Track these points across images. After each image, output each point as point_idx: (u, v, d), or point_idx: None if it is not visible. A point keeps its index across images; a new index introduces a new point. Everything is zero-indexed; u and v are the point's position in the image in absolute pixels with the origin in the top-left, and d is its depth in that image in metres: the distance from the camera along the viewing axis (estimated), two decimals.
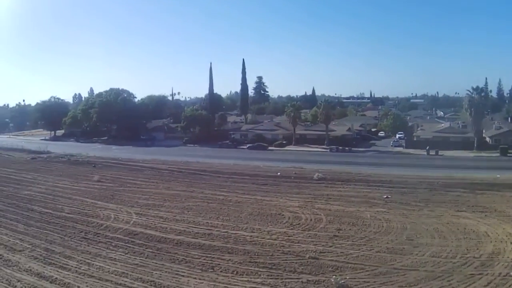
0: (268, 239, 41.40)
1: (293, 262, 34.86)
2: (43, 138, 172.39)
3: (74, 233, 44.95)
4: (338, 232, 42.58)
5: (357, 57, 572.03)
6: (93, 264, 35.75)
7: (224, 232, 44.11)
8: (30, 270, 34.66)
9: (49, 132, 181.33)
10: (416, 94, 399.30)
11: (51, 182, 75.22)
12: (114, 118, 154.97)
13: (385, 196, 57.86)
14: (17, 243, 42.03)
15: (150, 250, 38.78)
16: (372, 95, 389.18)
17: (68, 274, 33.68)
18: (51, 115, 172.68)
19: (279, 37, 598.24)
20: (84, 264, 35.73)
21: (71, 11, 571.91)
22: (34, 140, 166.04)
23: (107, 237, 43.34)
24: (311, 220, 47.68)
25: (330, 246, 38.44)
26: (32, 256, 38.17)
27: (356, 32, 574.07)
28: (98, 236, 43.68)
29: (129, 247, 39.97)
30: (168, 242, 41.03)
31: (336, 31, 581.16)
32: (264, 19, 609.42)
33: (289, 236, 41.99)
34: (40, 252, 39.20)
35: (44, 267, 35.34)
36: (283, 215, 50.16)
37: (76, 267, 35.10)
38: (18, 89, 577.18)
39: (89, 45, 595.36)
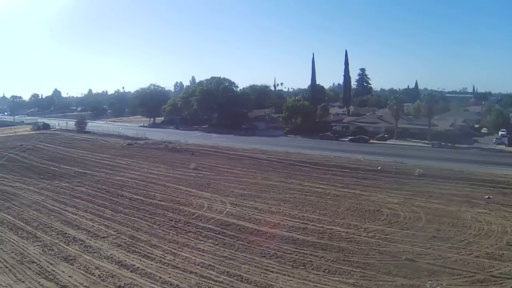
0: (365, 236, 40.55)
1: (388, 263, 33.95)
2: (142, 124, 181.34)
3: (164, 221, 46.15)
4: (437, 233, 41.38)
5: (461, 51, 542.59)
6: (179, 254, 36.14)
7: (319, 227, 43.36)
8: (111, 257, 35.76)
9: (147, 119, 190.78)
10: None
11: (146, 168, 78.23)
12: (215, 107, 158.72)
13: (486, 197, 55.55)
14: (101, 229, 43.87)
15: (241, 243, 38.59)
16: (475, 90, 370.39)
17: (151, 264, 34.22)
18: (150, 102, 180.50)
19: (383, 29, 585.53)
20: (170, 254, 36.24)
21: (177, 1, 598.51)
22: (132, 126, 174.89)
23: (198, 226, 43.86)
24: (409, 218, 46.45)
25: (428, 248, 37.20)
26: (116, 243, 39.48)
27: (460, 25, 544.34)
28: (188, 226, 44.31)
29: (220, 238, 39.99)
30: (260, 235, 40.66)
31: (440, 24, 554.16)
32: (366, 10, 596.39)
33: (386, 235, 40.97)
34: (125, 239, 40.42)
35: (127, 255, 36.28)
36: (381, 211, 49.18)
37: (160, 257, 35.66)
38: (119, 77, 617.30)
39: (193, 33, 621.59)
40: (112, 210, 50.82)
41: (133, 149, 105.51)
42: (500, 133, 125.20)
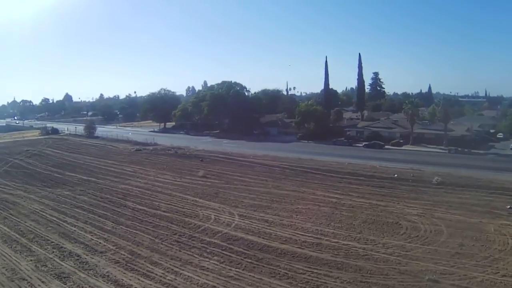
0: (383, 253, 37.59)
1: (410, 284, 31.38)
2: (152, 129, 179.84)
3: (167, 235, 43.40)
4: (461, 249, 38.63)
5: (473, 54, 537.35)
6: (181, 273, 33.43)
7: (334, 242, 40.39)
8: (108, 276, 33.19)
9: (158, 124, 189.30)
10: None
11: (152, 176, 75.77)
12: (226, 112, 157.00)
13: (508, 207, 52.68)
14: (100, 243, 41.31)
15: (249, 261, 35.69)
16: (487, 94, 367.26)
17: (150, 284, 31.63)
18: (160, 107, 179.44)
19: (394, 33, 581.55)
20: (171, 273, 33.53)
21: (189, 7, 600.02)
22: (142, 131, 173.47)
23: (203, 241, 41.01)
24: (430, 232, 43.60)
25: (452, 266, 34.54)
26: (114, 259, 36.85)
27: (472, 28, 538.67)
28: (192, 240, 41.52)
29: (226, 255, 37.15)
30: (270, 252, 37.69)
31: (452, 28, 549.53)
32: (377, 14, 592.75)
33: (406, 251, 38.08)
34: (124, 255, 37.80)
35: (125, 273, 33.68)
36: (400, 224, 46.23)
37: (161, 276, 33.00)
38: (131, 82, 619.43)
39: (205, 38, 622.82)
40: (113, 222, 48.21)
41: (141, 155, 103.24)
42: None
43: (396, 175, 72.16)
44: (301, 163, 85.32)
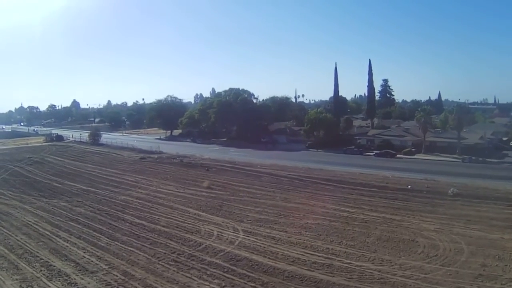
0: (400, 276, 34.06)
1: None
2: (158, 137, 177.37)
3: (165, 253, 40.07)
4: (483, 270, 35.18)
5: (482, 60, 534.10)
6: None
7: (347, 263, 36.81)
8: None
9: (164, 131, 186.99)
10: None
11: (154, 186, 72.77)
12: (234, 119, 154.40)
13: None
14: (92, 261, 38.15)
15: (253, 285, 32.39)
16: (496, 100, 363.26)
17: None
18: (167, 114, 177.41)
19: (403, 39, 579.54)
20: None
21: (199, 13, 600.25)
22: (148, 139, 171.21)
23: (203, 261, 37.62)
24: (450, 250, 39.97)
25: None
26: (105, 281, 33.80)
27: (480, 34, 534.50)
28: (192, 260, 38.13)
29: (228, 278, 33.76)
30: (276, 275, 34.24)
31: (459, 34, 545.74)
32: (384, 21, 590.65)
33: (425, 273, 34.52)
34: (116, 276, 34.70)
35: None
36: (417, 241, 42.59)
37: None
38: (139, 89, 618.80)
39: (213, 45, 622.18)
40: (108, 237, 45.01)
41: (145, 163, 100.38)
42: None
43: (410, 186, 68.44)
44: (310, 173, 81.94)
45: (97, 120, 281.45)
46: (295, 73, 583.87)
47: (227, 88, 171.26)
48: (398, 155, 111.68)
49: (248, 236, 44.38)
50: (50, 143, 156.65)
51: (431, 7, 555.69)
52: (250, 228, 47.48)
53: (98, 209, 57.50)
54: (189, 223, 49.61)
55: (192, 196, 64.31)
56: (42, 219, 53.93)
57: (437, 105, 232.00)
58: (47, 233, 47.84)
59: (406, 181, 72.57)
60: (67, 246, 43.07)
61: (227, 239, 43.65)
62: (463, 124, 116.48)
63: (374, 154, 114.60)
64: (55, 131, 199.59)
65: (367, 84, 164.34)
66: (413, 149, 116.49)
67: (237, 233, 45.45)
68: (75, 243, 43.72)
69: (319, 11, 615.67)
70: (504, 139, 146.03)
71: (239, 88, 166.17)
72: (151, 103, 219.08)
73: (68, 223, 51.32)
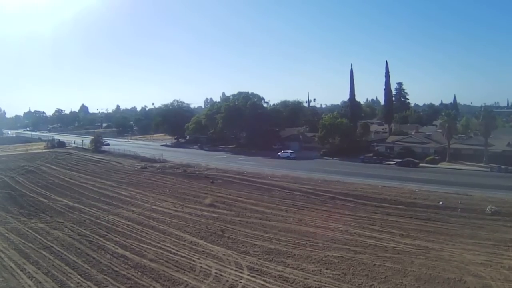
0: None
1: None
2: (164, 143, 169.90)
3: None
4: None
5: (496, 62, 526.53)
6: None
7: None
8: None
9: (170, 137, 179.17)
10: None
11: (150, 203, 63.52)
12: (243, 125, 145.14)
13: None
14: None
15: None
16: (509, 104, 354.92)
17: None
18: (173, 120, 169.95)
19: (416, 42, 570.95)
20: None
21: (210, 16, 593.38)
22: (153, 145, 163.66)
23: None
24: None
25: None
26: None
27: (495, 35, 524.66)
28: None
29: None
30: None
31: (476, 34, 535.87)
32: (398, 22, 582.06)
33: None
34: None
35: None
36: (465, 281, 33.15)
37: None
38: (149, 93, 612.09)
39: (223, 49, 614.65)
40: (81, 275, 35.55)
41: (145, 174, 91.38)
42: None
43: (441, 203, 58.74)
44: (327, 186, 72.27)
45: (104, 125, 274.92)
46: (307, 77, 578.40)
47: (237, 92, 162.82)
48: (420, 164, 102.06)
49: (254, 277, 34.58)
50: (51, 150, 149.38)
51: (443, 7, 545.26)
52: (257, 263, 37.70)
53: (78, 234, 48.16)
54: (182, 256, 39.83)
55: (191, 217, 54.65)
56: (11, 245, 45.14)
57: (453, 109, 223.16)
58: (12, 265, 39.08)
59: (436, 196, 63.07)
60: (28, 286, 33.93)
61: (227, 281, 33.81)
62: (490, 129, 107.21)
63: (395, 163, 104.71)
64: (59, 136, 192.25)
65: (384, 87, 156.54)
66: (437, 157, 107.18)
67: (241, 272, 35.65)
68: (40, 282, 34.64)
69: (329, 12, 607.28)
70: None
71: (248, 92, 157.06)
72: (158, 108, 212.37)
73: (40, 253, 42.20)
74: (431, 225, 49.35)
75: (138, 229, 49.20)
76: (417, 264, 36.81)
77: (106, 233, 47.74)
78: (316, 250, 41.03)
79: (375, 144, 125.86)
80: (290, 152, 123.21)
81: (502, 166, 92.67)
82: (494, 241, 42.81)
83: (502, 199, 59.61)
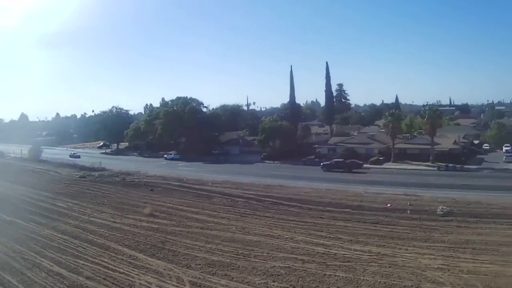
0: None
1: None
2: (104, 151, 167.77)
3: None
4: None
5: (431, 63, 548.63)
6: None
7: None
8: None
9: (110, 144, 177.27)
10: (492, 101, 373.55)
11: (87, 215, 60.96)
12: (182, 130, 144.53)
13: None
14: None
15: None
16: (452, 102, 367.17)
17: None
18: (112, 127, 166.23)
19: (355, 43, 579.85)
20: None
21: (143, 20, 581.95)
22: (93, 153, 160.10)
23: None
24: None
25: None
26: None
27: (434, 32, 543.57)
28: None
29: None
30: None
31: (415, 31, 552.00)
32: (334, 22, 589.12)
33: None
34: None
35: None
36: None
37: None
38: (89, 101, 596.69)
39: (161, 54, 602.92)
40: None
41: (84, 183, 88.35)
42: (504, 149, 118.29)
43: (389, 205, 58.47)
44: (269, 191, 71.67)
45: (44, 133, 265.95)
46: (245, 79, 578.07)
47: (176, 97, 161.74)
48: (365, 165, 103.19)
49: None
50: None
51: (378, 4, 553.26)
52: (199, 277, 36.05)
53: (14, 251, 45.12)
54: (121, 272, 37.81)
55: (130, 229, 52.63)
56: None
57: (395, 108, 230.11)
58: None
59: (384, 198, 63.06)
60: None
61: None
62: (436, 128, 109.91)
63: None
64: None
65: (324, 88, 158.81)
66: (381, 158, 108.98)
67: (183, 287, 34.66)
68: None
69: (266, 12, 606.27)
70: (476, 142, 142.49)
71: (187, 97, 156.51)
72: (97, 115, 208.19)
73: None
74: (380, 229, 48.65)
75: (74, 244, 46.71)
76: (370, 272, 35.52)
77: (41, 249, 44.97)
78: (262, 261, 39.62)
79: (317, 146, 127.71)
80: (174, 154, 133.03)
81: (450, 165, 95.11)
82: (449, 243, 42.42)
83: (453, 199, 60.12)
